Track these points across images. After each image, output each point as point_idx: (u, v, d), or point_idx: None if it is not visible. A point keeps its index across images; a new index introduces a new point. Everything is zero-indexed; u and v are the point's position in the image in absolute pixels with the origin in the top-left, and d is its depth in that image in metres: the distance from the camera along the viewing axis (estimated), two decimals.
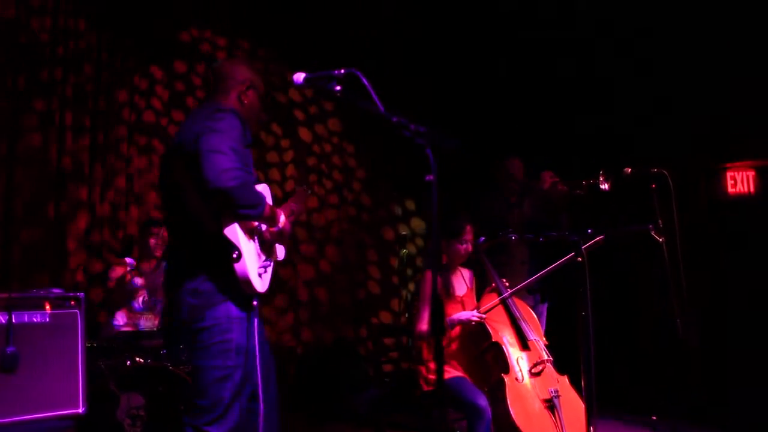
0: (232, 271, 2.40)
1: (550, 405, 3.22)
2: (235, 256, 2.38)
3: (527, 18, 5.93)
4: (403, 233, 6.11)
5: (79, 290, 4.80)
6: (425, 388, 3.46)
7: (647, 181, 3.97)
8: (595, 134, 5.74)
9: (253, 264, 2.46)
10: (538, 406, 3.23)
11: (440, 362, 1.77)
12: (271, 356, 2.75)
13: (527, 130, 5.86)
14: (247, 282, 2.42)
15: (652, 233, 3.91)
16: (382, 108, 2.01)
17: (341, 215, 6.30)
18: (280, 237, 2.67)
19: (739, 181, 5.71)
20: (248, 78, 2.69)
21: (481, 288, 3.82)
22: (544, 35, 5.90)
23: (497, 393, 3.24)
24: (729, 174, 5.67)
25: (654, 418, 4.20)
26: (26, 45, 4.82)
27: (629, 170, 4.02)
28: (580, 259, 3.00)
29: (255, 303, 2.49)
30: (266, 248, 2.64)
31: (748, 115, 5.28)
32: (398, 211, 6.64)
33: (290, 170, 6.08)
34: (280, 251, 2.80)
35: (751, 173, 5.69)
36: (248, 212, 2.39)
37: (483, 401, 3.20)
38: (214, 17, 5.75)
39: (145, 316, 4.18)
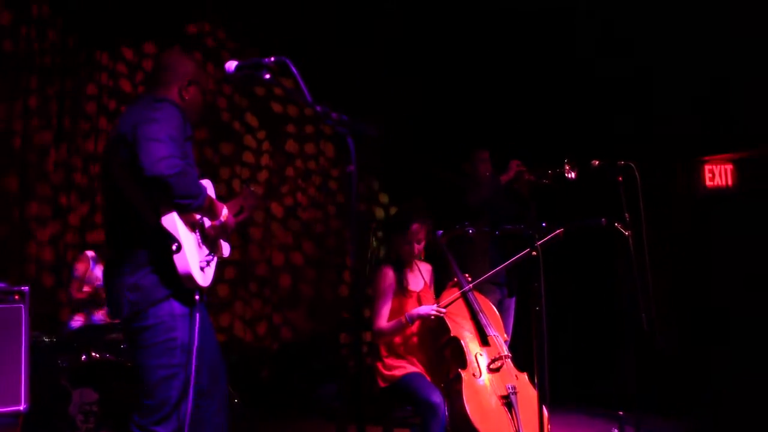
0: (172, 264, 2.34)
1: (507, 402, 3.16)
2: (174, 248, 2.32)
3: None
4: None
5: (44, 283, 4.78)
6: (381, 384, 3.40)
7: (614, 173, 3.91)
8: (570, 126, 5.67)
9: (194, 257, 2.40)
10: (495, 403, 3.17)
11: (359, 358, 1.70)
12: (220, 352, 2.70)
13: (501, 124, 5.78)
14: (189, 276, 2.36)
15: (619, 227, 3.88)
16: (308, 96, 1.95)
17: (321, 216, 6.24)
18: (223, 232, 2.60)
19: (717, 174, 5.66)
20: (191, 72, 2.62)
21: (443, 283, 3.76)
22: (523, 22, 5.80)
23: (453, 388, 3.18)
24: (707, 167, 5.61)
25: (621, 413, 4.14)
26: None
27: (596, 162, 3.96)
28: (534, 253, 2.93)
29: (197, 297, 2.42)
30: (209, 242, 2.57)
31: (726, 108, 5.22)
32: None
33: (264, 175, 6.00)
34: (225, 248, 2.74)
35: (729, 166, 5.64)
36: (186, 202, 2.33)
37: (437, 398, 3.14)
38: (229, 20, 5.70)
39: (97, 311, 4.14)
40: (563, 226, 3.03)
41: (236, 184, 5.76)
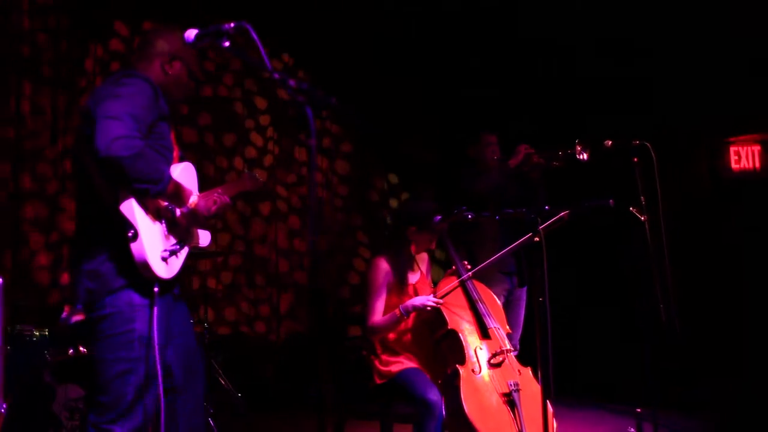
0: (130, 252, 2.19)
1: (509, 399, 2.94)
2: (130, 235, 2.17)
3: None
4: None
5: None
6: (377, 381, 3.21)
7: (629, 154, 3.66)
8: (584, 107, 5.38)
9: (154, 246, 2.24)
10: (496, 400, 2.95)
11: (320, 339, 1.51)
12: (197, 350, 2.56)
13: (508, 106, 5.51)
14: (145, 265, 2.19)
15: (634, 211, 3.63)
16: (268, 63, 1.76)
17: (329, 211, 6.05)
18: (195, 220, 2.43)
19: (744, 156, 5.36)
20: (176, 48, 2.45)
21: (442, 272, 3.55)
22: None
23: (451, 385, 2.97)
24: (733, 149, 5.32)
25: (639, 410, 3.90)
26: None
27: (609, 143, 3.72)
28: (537, 239, 2.70)
29: (156, 290, 2.26)
30: (179, 231, 2.40)
31: (753, 88, 4.90)
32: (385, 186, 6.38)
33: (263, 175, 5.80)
34: (204, 237, 2.58)
35: (757, 148, 5.34)
36: (143, 187, 2.16)
37: (434, 395, 2.93)
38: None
39: None
40: (568, 208, 2.79)
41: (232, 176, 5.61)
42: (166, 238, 2.33)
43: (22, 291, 4.45)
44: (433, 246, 3.38)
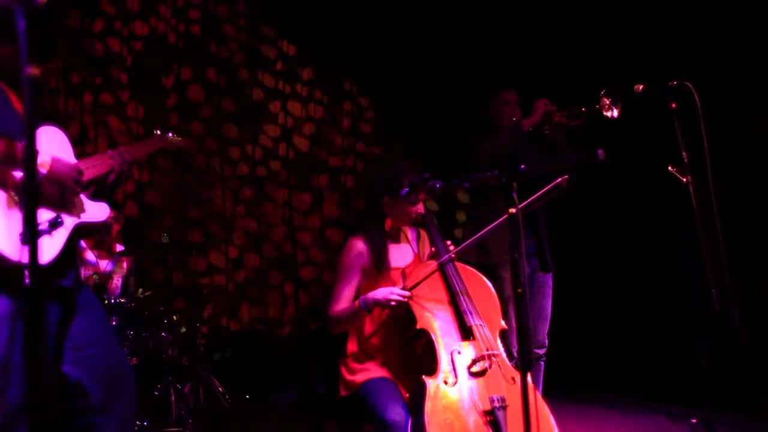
0: None
1: (492, 420, 2.28)
2: None
3: None
4: None
5: None
6: (342, 392, 2.62)
7: (665, 99, 2.88)
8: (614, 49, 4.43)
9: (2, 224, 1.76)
10: (474, 421, 2.28)
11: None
12: (121, 357, 2.17)
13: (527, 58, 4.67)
14: None
15: (674, 172, 2.87)
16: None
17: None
18: (62, 187, 1.94)
19: None
20: None
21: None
22: None
23: (417, 401, 2.34)
24: None
25: (694, 421, 3.15)
26: None
27: (641, 87, 2.95)
28: (513, 210, 2.01)
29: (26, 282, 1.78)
30: (51, 201, 1.92)
31: None
32: None
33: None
34: (96, 209, 2.08)
35: None
36: None
37: (395, 415, 2.32)
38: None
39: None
40: (548, 167, 2.09)
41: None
42: (9, 210, 1.84)
43: None
44: (421, 210, 2.72)
